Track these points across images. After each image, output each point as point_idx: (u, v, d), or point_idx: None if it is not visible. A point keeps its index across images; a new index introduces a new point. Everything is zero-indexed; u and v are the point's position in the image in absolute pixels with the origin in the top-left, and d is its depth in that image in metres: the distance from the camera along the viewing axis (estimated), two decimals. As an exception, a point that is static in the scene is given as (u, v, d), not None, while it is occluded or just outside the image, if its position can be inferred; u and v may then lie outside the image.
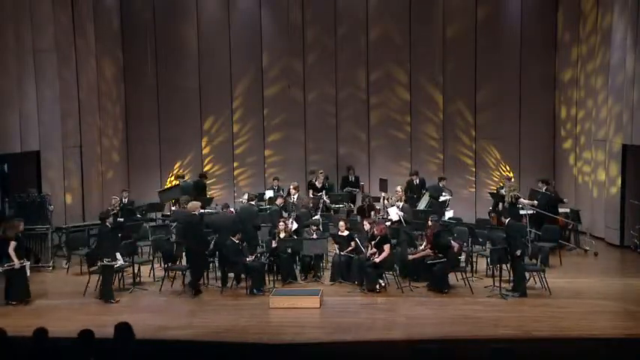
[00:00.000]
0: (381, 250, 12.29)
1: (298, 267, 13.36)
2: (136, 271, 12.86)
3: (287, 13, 18.34)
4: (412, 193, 16.38)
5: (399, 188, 15.37)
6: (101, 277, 12.04)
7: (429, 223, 12.88)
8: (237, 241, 12.56)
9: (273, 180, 17.22)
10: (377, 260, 12.24)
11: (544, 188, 15.50)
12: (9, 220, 12.88)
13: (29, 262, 12.31)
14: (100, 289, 12.00)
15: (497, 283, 12.15)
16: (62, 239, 15.04)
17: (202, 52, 18.87)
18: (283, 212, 14.57)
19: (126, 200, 16.07)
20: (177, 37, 18.85)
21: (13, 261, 11.78)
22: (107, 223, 12.31)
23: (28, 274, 12.04)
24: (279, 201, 14.90)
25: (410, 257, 12.83)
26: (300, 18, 18.51)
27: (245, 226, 13.38)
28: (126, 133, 19.07)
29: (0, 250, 12.02)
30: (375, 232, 12.52)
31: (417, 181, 16.82)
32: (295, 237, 13.41)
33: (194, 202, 13.18)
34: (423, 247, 12.98)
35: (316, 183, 17.14)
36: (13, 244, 11.86)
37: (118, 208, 15.42)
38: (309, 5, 18.51)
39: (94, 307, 11.71)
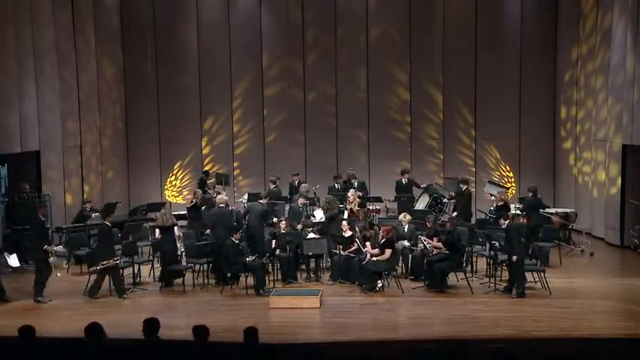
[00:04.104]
0: (383, 252, 12.30)
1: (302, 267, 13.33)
2: (136, 271, 12.85)
3: (287, 13, 18.32)
4: (401, 193, 16.12)
5: (350, 193, 14.72)
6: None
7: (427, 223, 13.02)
8: (236, 241, 12.56)
9: (293, 176, 16.76)
10: (370, 257, 12.26)
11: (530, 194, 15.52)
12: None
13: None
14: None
15: (493, 281, 12.24)
16: (62, 239, 15.02)
17: (202, 52, 18.86)
18: (311, 213, 14.52)
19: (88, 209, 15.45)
20: (177, 37, 18.85)
21: None
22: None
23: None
24: (301, 201, 14.58)
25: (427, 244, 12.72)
26: (300, 18, 18.50)
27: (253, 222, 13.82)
28: (126, 133, 19.08)
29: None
30: (382, 233, 12.53)
31: (405, 180, 16.50)
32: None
33: (222, 196, 13.99)
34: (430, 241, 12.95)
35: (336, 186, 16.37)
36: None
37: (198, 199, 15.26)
38: (309, 5, 18.51)
39: (94, 307, 11.71)
